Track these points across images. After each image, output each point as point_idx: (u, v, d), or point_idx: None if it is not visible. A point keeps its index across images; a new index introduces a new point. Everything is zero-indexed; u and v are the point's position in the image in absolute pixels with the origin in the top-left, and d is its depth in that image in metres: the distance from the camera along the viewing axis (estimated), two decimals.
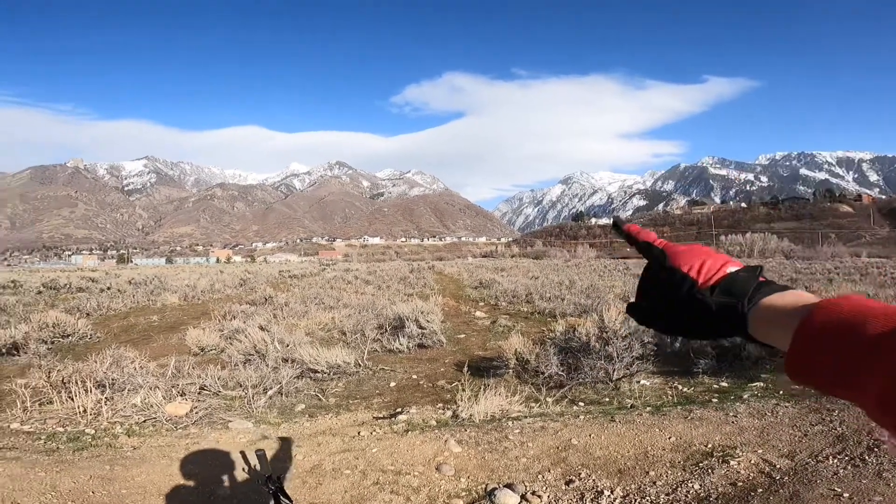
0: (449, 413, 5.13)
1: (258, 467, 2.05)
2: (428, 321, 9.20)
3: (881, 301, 0.44)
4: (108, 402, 5.35)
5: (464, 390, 5.26)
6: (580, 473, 3.55)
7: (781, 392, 5.21)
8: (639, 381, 6.03)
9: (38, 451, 4.30)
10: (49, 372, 6.07)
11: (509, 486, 3.41)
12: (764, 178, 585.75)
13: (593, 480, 3.45)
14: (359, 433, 4.57)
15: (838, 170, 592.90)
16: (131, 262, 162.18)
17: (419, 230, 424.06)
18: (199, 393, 5.92)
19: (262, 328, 9.18)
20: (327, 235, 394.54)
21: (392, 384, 6.71)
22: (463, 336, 9.86)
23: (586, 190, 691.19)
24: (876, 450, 3.45)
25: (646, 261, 0.64)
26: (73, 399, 5.31)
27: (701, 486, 3.27)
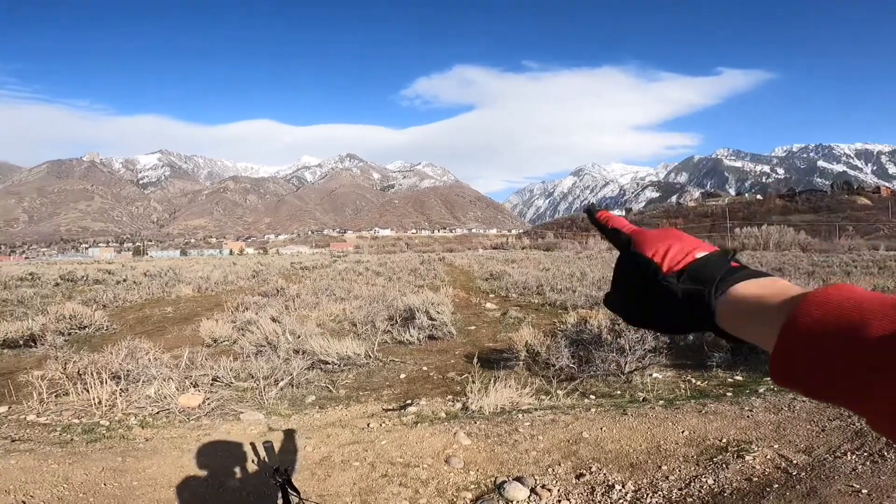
0: (459, 405, 5.12)
1: (266, 459, 2.03)
2: (438, 313, 9.18)
3: (872, 290, 0.38)
4: (122, 394, 5.41)
5: (474, 382, 5.23)
6: (591, 467, 3.51)
7: None
8: (651, 374, 5.96)
9: (51, 442, 4.36)
10: (65, 363, 6.16)
11: (519, 479, 3.38)
12: (780, 171, 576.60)
13: (604, 474, 3.41)
14: (368, 425, 4.57)
15: (857, 162, 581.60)
16: (147, 254, 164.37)
17: (430, 222, 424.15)
18: (211, 384, 5.97)
19: (273, 319, 9.23)
20: (338, 227, 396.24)
21: (402, 376, 6.70)
22: (473, 328, 9.84)
23: (598, 182, 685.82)
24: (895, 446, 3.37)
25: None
26: (88, 390, 5.37)
27: (715, 481, 3.22)
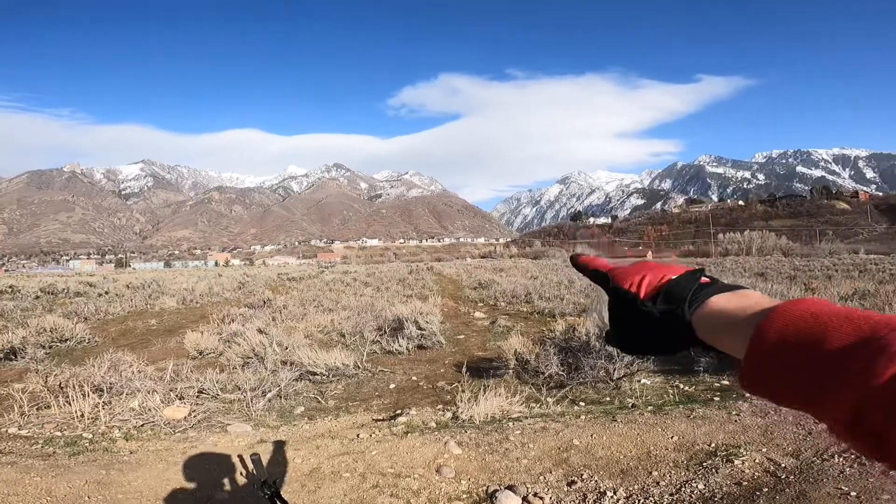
0: (449, 414, 5.09)
1: (255, 471, 2.00)
2: (427, 322, 9.15)
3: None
4: (105, 407, 5.30)
5: (464, 391, 5.22)
6: (582, 474, 3.51)
7: None
8: (640, 380, 5.99)
9: (34, 455, 4.25)
10: (46, 376, 6.03)
11: (511, 487, 3.37)
12: (761, 176, 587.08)
13: (596, 481, 3.41)
14: (358, 436, 4.53)
15: (835, 167, 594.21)
16: (129, 266, 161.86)
17: (418, 231, 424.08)
18: (197, 396, 5.87)
19: (260, 331, 9.12)
20: (326, 238, 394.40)
21: (391, 386, 6.66)
22: (462, 337, 9.82)
23: (584, 189, 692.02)
24: None
25: None
26: (70, 403, 5.26)
27: (705, 485, 3.24)
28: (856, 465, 3.25)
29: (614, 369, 5.92)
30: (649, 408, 4.90)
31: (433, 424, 4.80)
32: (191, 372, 6.61)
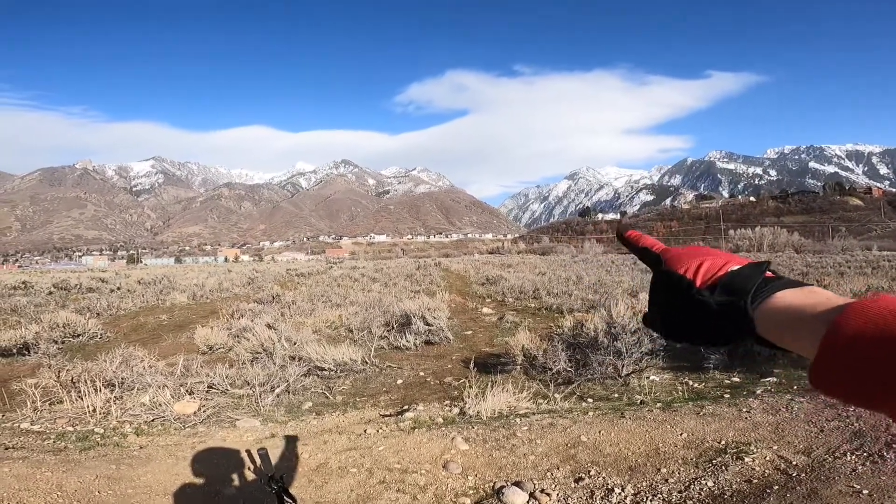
0: (456, 410, 5.09)
1: (262, 466, 2.01)
2: (434, 318, 9.16)
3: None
4: (117, 402, 5.36)
5: (471, 387, 5.21)
6: (590, 471, 3.50)
7: (795, 387, 5.11)
8: (648, 377, 5.95)
9: (45, 450, 4.31)
10: (59, 371, 6.10)
11: (518, 483, 3.36)
12: (773, 172, 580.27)
13: (603, 478, 3.40)
14: (365, 431, 4.54)
15: (848, 163, 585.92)
16: (141, 262, 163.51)
17: (425, 227, 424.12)
18: (207, 391, 5.92)
19: (269, 326, 9.18)
20: (334, 234, 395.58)
21: (399, 381, 6.67)
22: (470, 332, 9.82)
23: (592, 185, 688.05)
24: (895, 446, 3.37)
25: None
26: (82, 398, 5.32)
27: (715, 483, 3.21)
28: (868, 464, 3.20)
29: (623, 366, 5.89)
30: (658, 404, 4.87)
31: (440, 420, 4.80)
32: (201, 367, 6.67)
